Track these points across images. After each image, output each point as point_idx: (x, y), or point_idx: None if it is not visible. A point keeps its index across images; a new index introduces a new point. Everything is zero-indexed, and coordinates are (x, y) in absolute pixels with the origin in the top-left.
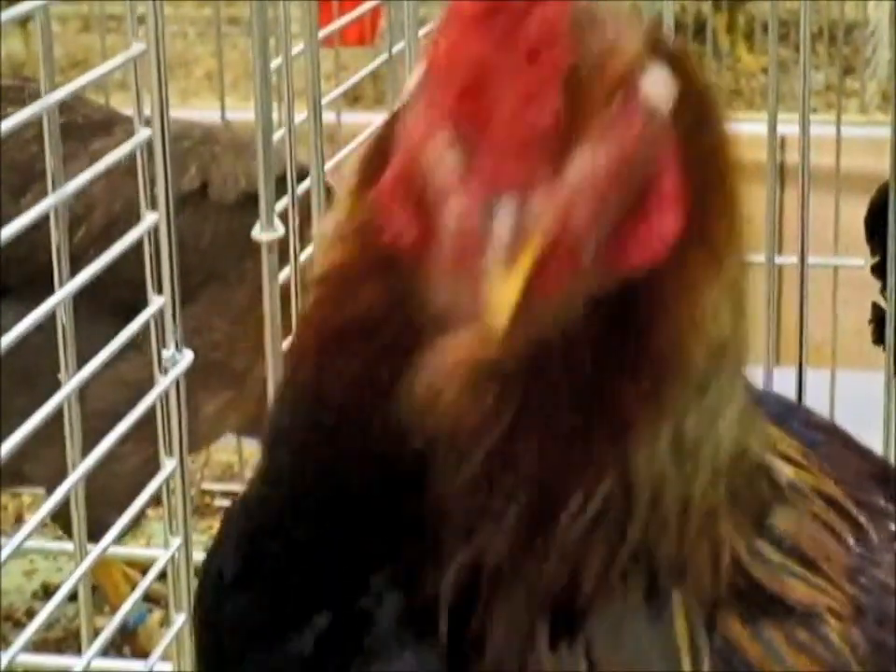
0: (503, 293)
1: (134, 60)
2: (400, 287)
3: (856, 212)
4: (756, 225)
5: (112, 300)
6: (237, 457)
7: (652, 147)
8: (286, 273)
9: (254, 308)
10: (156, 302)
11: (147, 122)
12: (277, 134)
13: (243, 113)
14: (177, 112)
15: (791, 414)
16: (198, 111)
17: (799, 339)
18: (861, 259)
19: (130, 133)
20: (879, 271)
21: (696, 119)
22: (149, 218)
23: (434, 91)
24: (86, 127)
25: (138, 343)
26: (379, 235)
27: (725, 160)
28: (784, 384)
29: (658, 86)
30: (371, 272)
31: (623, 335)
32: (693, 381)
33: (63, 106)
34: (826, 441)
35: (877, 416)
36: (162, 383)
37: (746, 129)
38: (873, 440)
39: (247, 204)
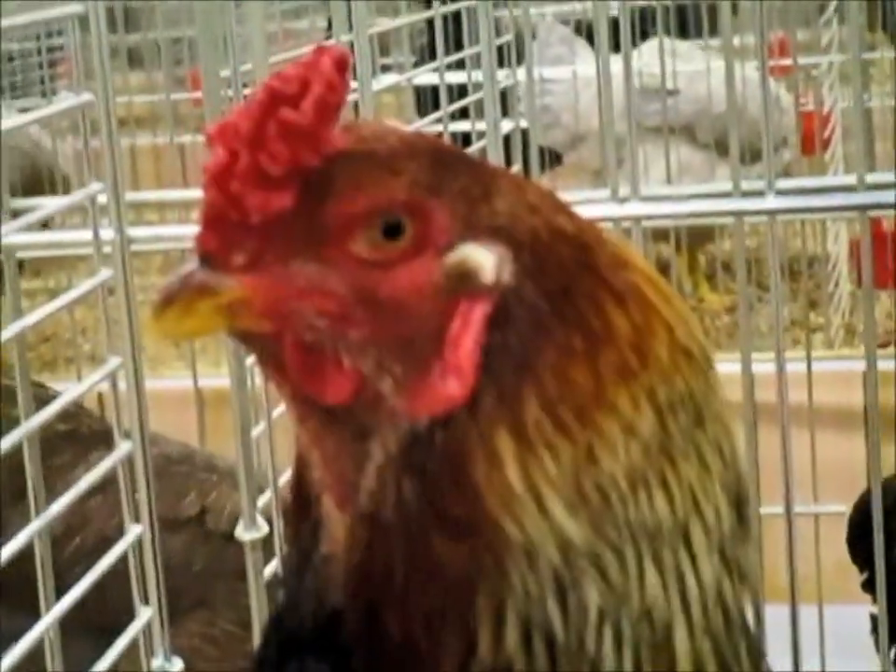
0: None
1: (114, 374)
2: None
3: (829, 449)
4: None
5: (96, 619)
6: None
7: (441, 305)
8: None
9: (243, 635)
10: (144, 614)
11: (128, 434)
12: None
13: (215, 379)
14: (149, 382)
15: None
16: (170, 379)
17: (791, 579)
18: (842, 506)
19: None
20: (870, 586)
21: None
22: (133, 531)
23: None
24: (90, 437)
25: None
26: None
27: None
28: (775, 619)
29: (477, 254)
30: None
31: (439, 500)
32: (531, 562)
33: (67, 414)
34: None
35: (865, 647)
36: None
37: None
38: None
39: None
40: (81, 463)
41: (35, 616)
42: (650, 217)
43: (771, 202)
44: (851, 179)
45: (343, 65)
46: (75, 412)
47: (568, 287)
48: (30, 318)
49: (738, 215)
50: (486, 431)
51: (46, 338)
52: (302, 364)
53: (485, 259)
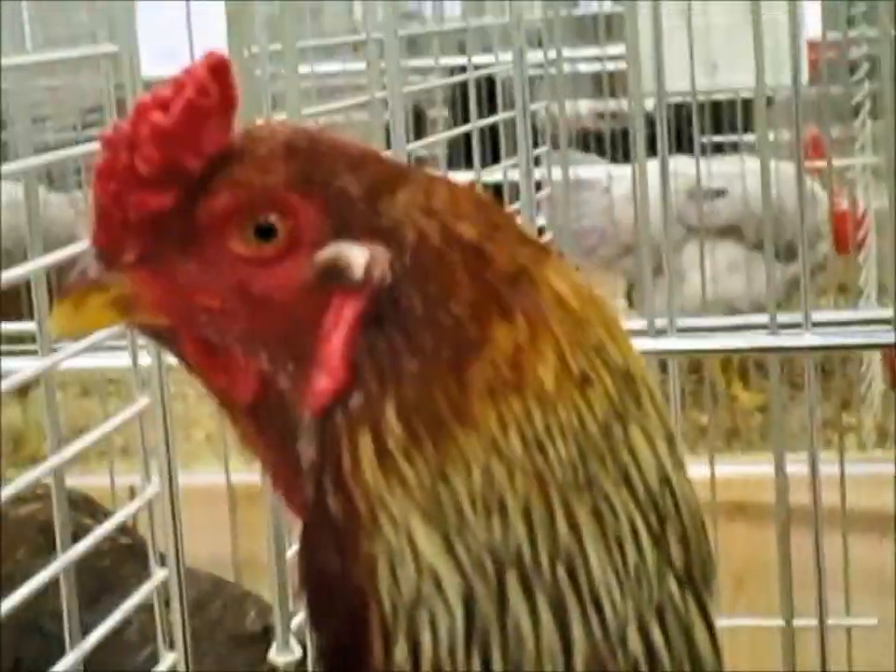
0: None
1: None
2: None
3: (863, 552)
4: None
5: None
6: None
7: (314, 301)
8: None
9: None
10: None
11: (163, 559)
12: None
13: (246, 476)
14: (182, 476)
15: None
16: (202, 474)
17: None
18: (874, 619)
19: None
20: None
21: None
22: (168, 658)
23: None
24: (144, 553)
25: None
26: None
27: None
28: None
29: (349, 252)
30: None
31: (332, 499)
32: (393, 572)
33: (126, 528)
34: None
35: None
36: None
37: (748, 470)
38: None
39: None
40: (143, 577)
41: None
42: (686, 352)
43: (808, 339)
44: (888, 312)
45: (218, 69)
46: (130, 527)
47: (451, 294)
48: (68, 451)
49: (776, 352)
50: (352, 431)
51: (77, 431)
52: (204, 360)
53: (356, 257)
